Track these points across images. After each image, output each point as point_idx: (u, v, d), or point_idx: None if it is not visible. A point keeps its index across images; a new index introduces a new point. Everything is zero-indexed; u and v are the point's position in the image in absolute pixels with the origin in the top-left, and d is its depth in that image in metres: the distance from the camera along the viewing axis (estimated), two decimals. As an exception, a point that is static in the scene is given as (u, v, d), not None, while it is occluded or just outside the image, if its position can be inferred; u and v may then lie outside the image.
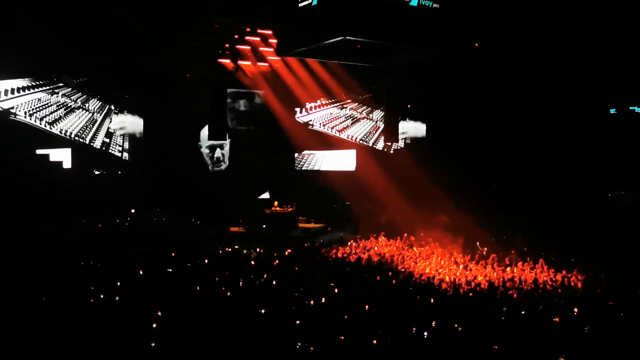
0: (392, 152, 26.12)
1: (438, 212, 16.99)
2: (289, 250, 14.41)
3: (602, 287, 10.66)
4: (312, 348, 6.96)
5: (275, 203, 20.36)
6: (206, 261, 12.80)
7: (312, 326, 7.79)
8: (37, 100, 19.67)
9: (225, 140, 23.19)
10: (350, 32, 10.24)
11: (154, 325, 7.66)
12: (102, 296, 9.21)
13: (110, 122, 21.64)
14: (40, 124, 19.73)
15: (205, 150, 24.24)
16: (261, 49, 17.72)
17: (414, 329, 7.59)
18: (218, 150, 24.39)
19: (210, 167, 24.44)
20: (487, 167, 21.20)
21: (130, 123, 22.21)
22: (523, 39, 17.24)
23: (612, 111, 20.74)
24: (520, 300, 9.93)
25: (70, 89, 20.57)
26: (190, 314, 8.33)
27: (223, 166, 24.58)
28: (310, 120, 25.26)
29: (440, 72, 21.13)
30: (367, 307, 8.77)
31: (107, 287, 9.75)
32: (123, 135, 21.95)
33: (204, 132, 23.48)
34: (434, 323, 7.84)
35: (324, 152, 25.21)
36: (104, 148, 21.39)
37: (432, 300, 9.60)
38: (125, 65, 19.80)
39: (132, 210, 19.74)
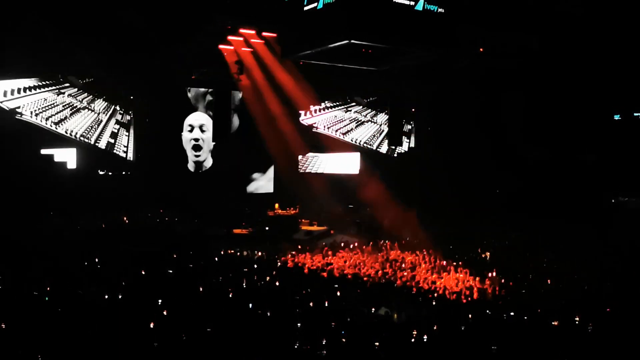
0: (395, 155, 26.15)
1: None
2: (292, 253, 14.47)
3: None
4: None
5: (276, 205, 20.38)
6: (213, 260, 12.88)
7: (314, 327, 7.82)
8: (43, 100, 19.78)
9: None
10: (355, 36, 10.30)
11: (157, 325, 7.69)
12: (106, 296, 9.25)
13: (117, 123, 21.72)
14: (46, 123, 19.83)
15: (186, 135, 22.73)
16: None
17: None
18: (197, 130, 22.72)
19: (191, 163, 23.00)
20: (491, 170, 21.21)
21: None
22: (528, 43, 17.26)
23: (617, 117, 20.74)
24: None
25: (76, 89, 20.67)
26: (193, 314, 8.37)
27: (203, 157, 22.95)
28: (315, 123, 25.30)
29: (444, 74, 21.16)
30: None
31: (110, 286, 9.79)
32: (128, 136, 22.02)
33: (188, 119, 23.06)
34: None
35: (328, 155, 25.23)
36: (108, 148, 21.48)
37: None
38: (131, 67, 19.90)
39: (137, 211, 19.77)
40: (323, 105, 25.38)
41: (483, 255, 14.47)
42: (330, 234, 19.27)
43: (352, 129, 26.09)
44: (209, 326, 7.78)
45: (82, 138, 20.70)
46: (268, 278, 11.20)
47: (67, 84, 20.48)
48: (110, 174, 21.47)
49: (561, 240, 15.37)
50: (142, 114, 22.11)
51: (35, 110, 19.55)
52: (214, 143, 22.90)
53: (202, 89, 22.98)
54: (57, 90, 20.19)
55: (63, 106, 20.32)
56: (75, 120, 20.62)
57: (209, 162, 23.41)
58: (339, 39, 10.35)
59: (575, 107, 20.03)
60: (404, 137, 25.33)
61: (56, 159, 19.25)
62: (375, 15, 10.27)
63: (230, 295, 9.62)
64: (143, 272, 11.25)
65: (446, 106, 23.04)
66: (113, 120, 21.67)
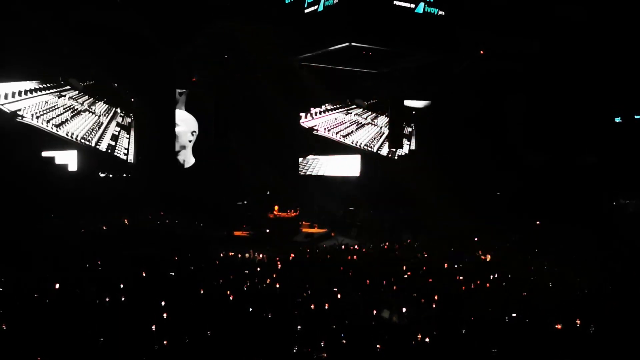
0: (396, 158, 26.14)
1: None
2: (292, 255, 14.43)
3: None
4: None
5: (276, 208, 20.38)
6: (213, 263, 12.86)
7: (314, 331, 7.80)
8: (44, 102, 19.82)
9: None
10: (356, 38, 10.34)
11: (158, 327, 7.68)
12: (107, 299, 9.23)
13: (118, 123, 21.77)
14: (47, 126, 19.86)
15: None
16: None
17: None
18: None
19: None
20: (492, 172, 21.19)
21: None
22: (529, 46, 17.29)
23: (618, 120, 20.75)
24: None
25: (77, 91, 20.71)
26: (194, 317, 8.35)
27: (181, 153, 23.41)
28: (315, 125, 25.31)
29: (444, 77, 21.18)
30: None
31: (110, 288, 9.77)
32: (128, 139, 22.05)
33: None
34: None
35: (328, 157, 25.22)
36: (109, 151, 21.50)
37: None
38: (132, 69, 19.94)
39: (138, 213, 19.78)
40: (323, 107, 25.40)
41: (483, 258, 14.44)
42: (331, 237, 19.26)
43: (352, 132, 26.10)
44: (209, 329, 7.77)
45: (83, 140, 20.73)
46: (269, 281, 11.18)
47: (68, 87, 20.54)
48: (111, 176, 21.49)
49: (562, 243, 15.35)
50: (143, 116, 22.14)
51: (36, 113, 19.58)
52: (190, 141, 23.33)
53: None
54: (58, 93, 20.24)
55: (64, 109, 20.37)
56: (76, 123, 20.66)
57: (189, 159, 23.41)
58: (339, 42, 10.40)
59: (576, 109, 20.03)
60: (404, 139, 25.34)
61: (57, 162, 19.28)
62: (376, 18, 10.31)
63: (231, 298, 9.60)
64: (144, 274, 11.22)
65: (447, 108, 23.03)
66: (114, 123, 21.71)
